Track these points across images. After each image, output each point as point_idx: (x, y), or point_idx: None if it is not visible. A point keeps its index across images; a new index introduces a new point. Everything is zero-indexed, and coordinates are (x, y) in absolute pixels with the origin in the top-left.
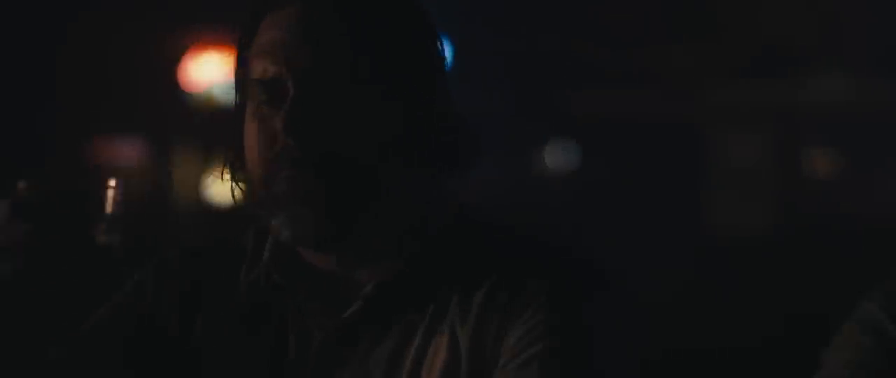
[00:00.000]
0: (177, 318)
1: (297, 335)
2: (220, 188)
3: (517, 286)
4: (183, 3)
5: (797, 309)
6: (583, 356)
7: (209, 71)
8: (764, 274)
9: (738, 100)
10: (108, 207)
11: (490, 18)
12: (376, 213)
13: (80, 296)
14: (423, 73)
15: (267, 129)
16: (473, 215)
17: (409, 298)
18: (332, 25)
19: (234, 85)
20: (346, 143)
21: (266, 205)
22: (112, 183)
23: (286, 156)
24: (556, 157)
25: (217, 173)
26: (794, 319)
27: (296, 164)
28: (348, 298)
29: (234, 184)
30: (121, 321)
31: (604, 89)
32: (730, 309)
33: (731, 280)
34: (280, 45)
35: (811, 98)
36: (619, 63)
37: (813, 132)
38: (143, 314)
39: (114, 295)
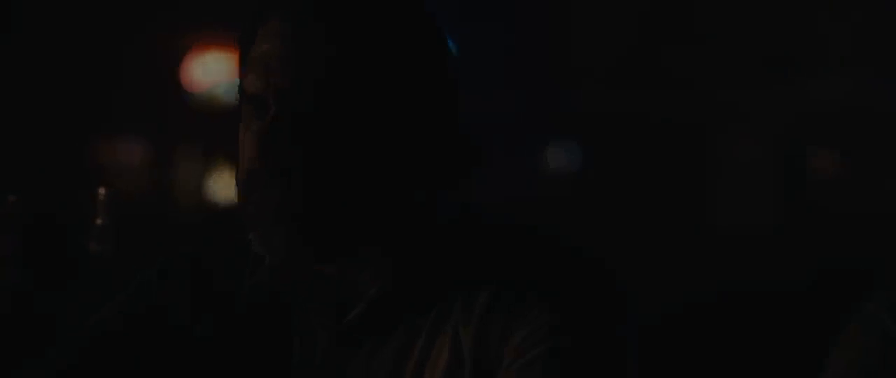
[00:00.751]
0: (180, 318)
1: (302, 337)
2: (222, 188)
3: (521, 287)
4: (185, 3)
5: (799, 309)
6: (587, 357)
7: (211, 71)
8: (766, 274)
9: (740, 100)
10: (99, 216)
11: (491, 17)
12: (369, 226)
13: (73, 305)
14: (419, 85)
15: (251, 144)
16: (476, 215)
17: (412, 300)
18: (316, 41)
19: (237, 90)
20: (324, 163)
21: (244, 222)
22: (102, 192)
23: (258, 175)
24: (559, 157)
25: (219, 174)
26: (797, 319)
27: (266, 185)
28: (352, 301)
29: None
30: (123, 321)
31: (606, 89)
32: (731, 309)
33: (732, 280)
34: (264, 60)
35: (813, 98)
36: (621, 63)
37: (814, 133)
38: (145, 314)
39: (116, 295)
